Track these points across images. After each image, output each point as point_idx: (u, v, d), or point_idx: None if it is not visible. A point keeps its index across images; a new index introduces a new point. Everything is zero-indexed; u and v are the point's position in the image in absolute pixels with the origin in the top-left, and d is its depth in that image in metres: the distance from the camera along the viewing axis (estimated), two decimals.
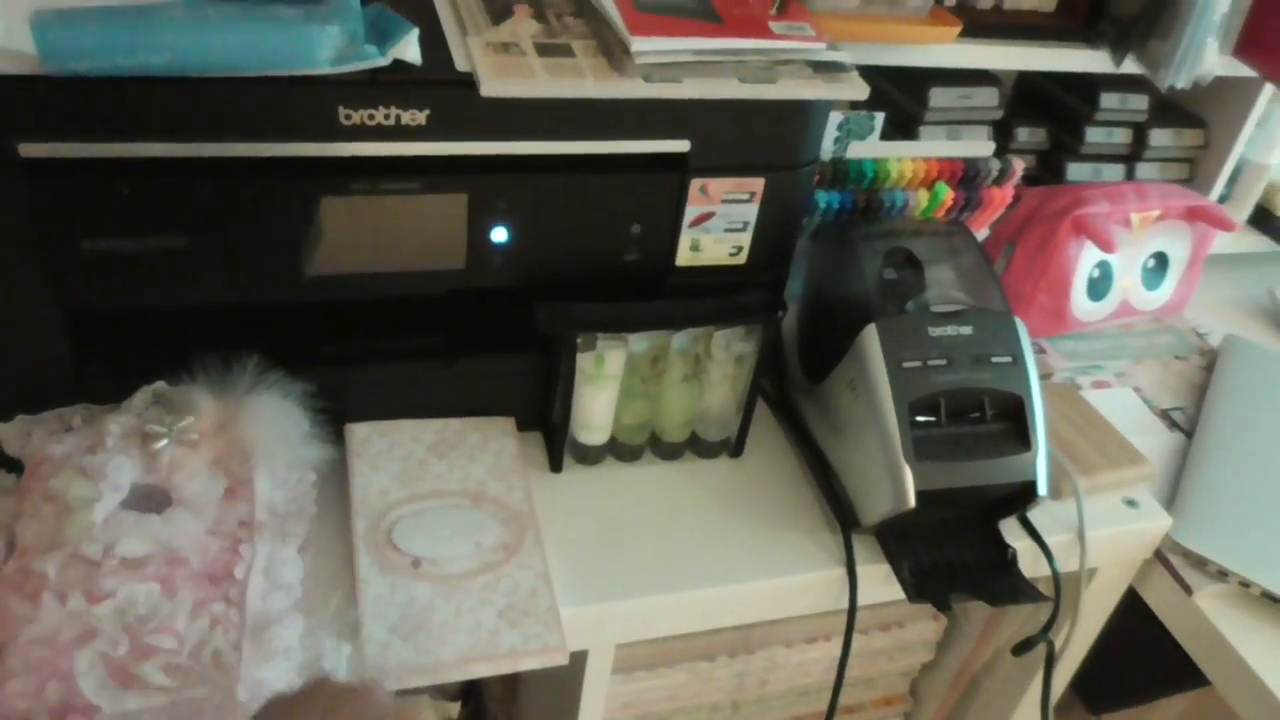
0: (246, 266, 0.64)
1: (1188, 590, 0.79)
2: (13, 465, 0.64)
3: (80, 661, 0.54)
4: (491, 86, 0.59)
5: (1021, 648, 0.76)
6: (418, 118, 0.61)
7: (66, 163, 0.57)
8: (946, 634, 1.00)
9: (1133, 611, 0.87)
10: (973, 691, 1.01)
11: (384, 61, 0.58)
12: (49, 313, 0.62)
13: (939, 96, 0.96)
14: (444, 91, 0.60)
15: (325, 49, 0.57)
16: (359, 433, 0.73)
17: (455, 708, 0.95)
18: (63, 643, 0.54)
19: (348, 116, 0.59)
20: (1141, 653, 0.99)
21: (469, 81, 0.60)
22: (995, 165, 0.82)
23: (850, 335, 0.72)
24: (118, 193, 0.59)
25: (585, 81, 0.61)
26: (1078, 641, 0.84)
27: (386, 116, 0.60)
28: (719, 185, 0.70)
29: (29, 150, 0.56)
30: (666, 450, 0.78)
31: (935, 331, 0.71)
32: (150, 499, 0.62)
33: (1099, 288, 1.01)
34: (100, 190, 0.58)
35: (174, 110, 0.57)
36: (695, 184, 0.69)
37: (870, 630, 0.96)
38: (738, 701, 0.97)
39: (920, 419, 0.70)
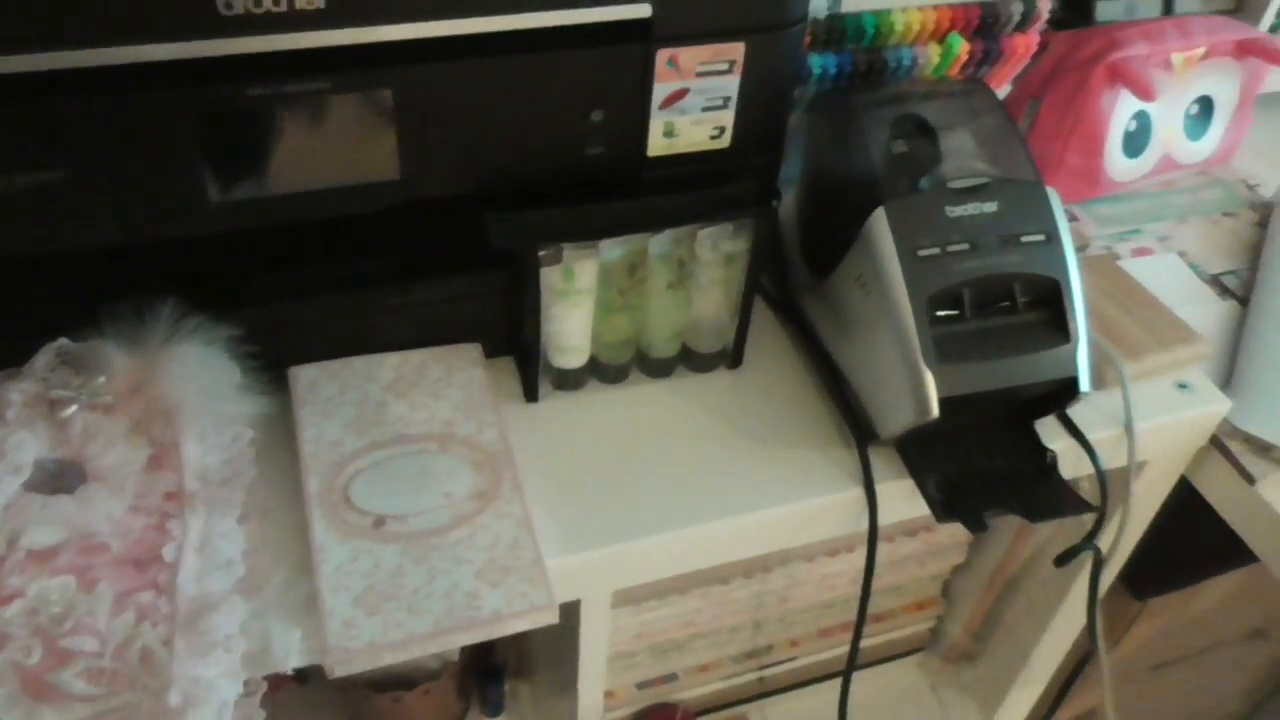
0: (138, 197, 0.55)
1: (1250, 479, 0.71)
2: None
3: None
4: None
5: (1064, 558, 0.68)
6: (314, 0, 0.50)
7: None
8: (979, 535, 0.93)
9: (1179, 492, 0.79)
10: (1010, 594, 0.94)
11: None
12: None
13: None
14: None
15: None
16: (305, 377, 0.64)
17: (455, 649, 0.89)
18: None
19: (228, 5, 0.49)
20: (1188, 535, 0.92)
21: None
22: (1017, 8, 0.70)
23: (857, 222, 0.62)
24: None
25: None
26: (1126, 541, 0.76)
27: (276, 2, 0.49)
28: (691, 55, 0.59)
29: None
30: (655, 367, 0.69)
31: (955, 211, 0.61)
32: (60, 477, 0.54)
33: (1136, 142, 0.90)
34: None
35: (14, 15, 0.47)
36: (662, 56, 0.58)
37: (897, 537, 0.89)
38: (759, 621, 0.91)
39: (941, 314, 0.61)
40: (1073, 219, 0.90)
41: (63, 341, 0.57)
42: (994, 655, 0.99)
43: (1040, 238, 0.62)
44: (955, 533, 0.90)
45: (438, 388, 0.65)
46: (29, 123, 0.50)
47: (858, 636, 0.68)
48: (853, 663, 0.70)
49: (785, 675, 0.99)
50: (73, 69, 0.49)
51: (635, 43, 0.57)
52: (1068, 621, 0.89)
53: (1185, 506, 0.79)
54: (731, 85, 0.61)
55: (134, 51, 0.49)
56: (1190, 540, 0.98)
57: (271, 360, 0.60)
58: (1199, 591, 1.10)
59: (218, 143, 0.54)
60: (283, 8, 0.50)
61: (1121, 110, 0.86)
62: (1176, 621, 1.13)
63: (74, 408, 0.55)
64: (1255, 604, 1.17)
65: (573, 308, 0.64)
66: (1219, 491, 0.74)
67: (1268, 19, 0.98)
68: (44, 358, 0.57)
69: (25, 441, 0.53)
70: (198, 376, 0.57)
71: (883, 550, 0.89)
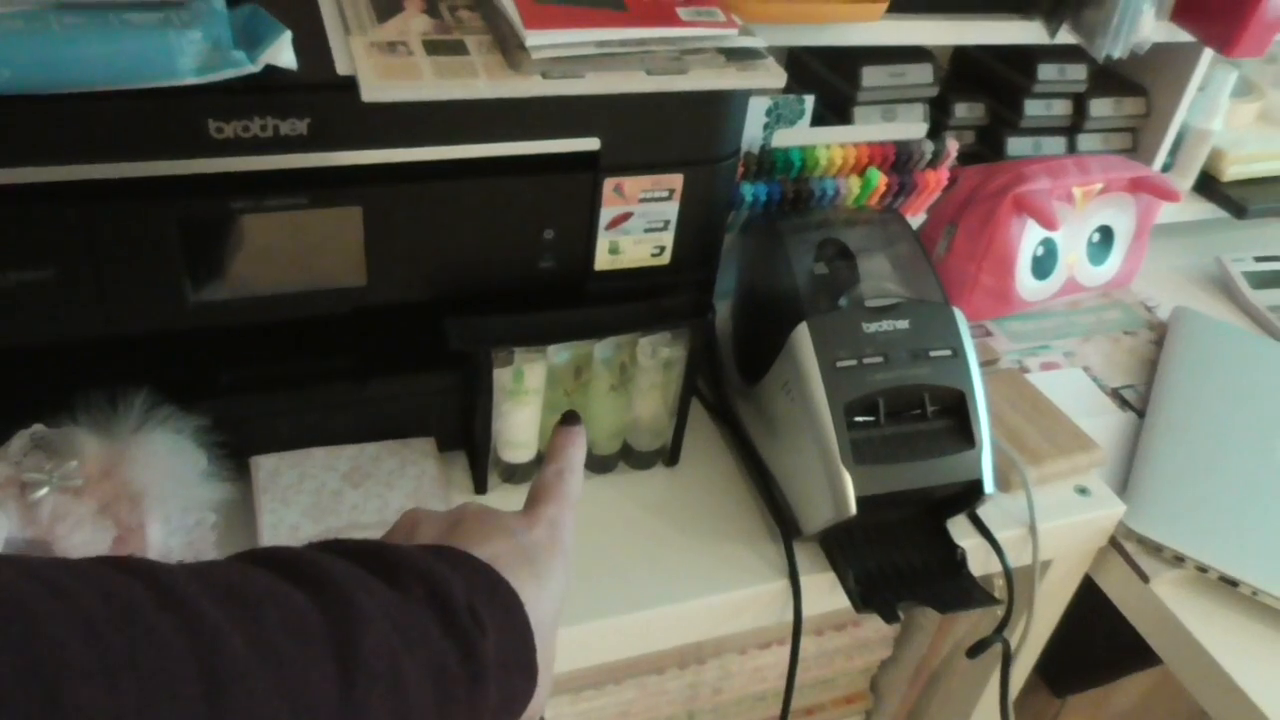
0: (123, 296, 0.59)
1: (1144, 578, 0.77)
2: None
3: None
4: (373, 91, 0.54)
5: (976, 649, 0.73)
6: (298, 127, 0.56)
7: None
8: (904, 629, 0.97)
9: (1094, 592, 0.85)
10: (934, 686, 0.98)
11: (254, 69, 0.53)
12: None
13: (871, 76, 0.93)
14: (324, 98, 0.56)
15: (187, 57, 0.52)
16: (266, 465, 0.68)
17: None
18: None
19: (219, 129, 0.55)
20: (1104, 633, 0.97)
21: (351, 86, 0.55)
22: (929, 147, 0.78)
23: (782, 335, 0.68)
24: None
25: (478, 81, 0.56)
26: (1035, 636, 0.82)
27: (263, 128, 0.55)
28: (635, 184, 0.66)
29: None
30: (597, 463, 0.74)
31: (870, 327, 0.68)
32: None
33: (1044, 265, 0.98)
34: None
35: (22, 132, 0.52)
36: (609, 184, 0.65)
37: (825, 630, 0.93)
38: (693, 712, 0.94)
39: (858, 420, 0.67)
40: (986, 334, 0.98)
41: (37, 427, 0.60)
42: None
43: (947, 353, 0.68)
44: (881, 627, 0.95)
45: (391, 478, 0.69)
46: (27, 227, 0.55)
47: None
48: None
49: None
50: (75, 181, 0.54)
51: (585, 171, 0.64)
52: (986, 716, 0.93)
53: (1100, 605, 0.85)
54: (671, 210, 0.68)
55: (131, 167, 0.54)
56: (1107, 638, 1.03)
57: (237, 449, 0.64)
58: (1117, 689, 1.15)
59: (199, 249, 0.59)
60: (269, 133, 0.55)
61: (1029, 237, 0.95)
62: (1097, 719, 1.17)
63: (45, 490, 0.58)
64: (1173, 701, 1.22)
65: (522, 406, 0.69)
66: (1118, 589, 0.80)
67: (1160, 159, 1.09)
68: (19, 442, 0.60)
69: None
70: (165, 463, 0.60)
71: (812, 644, 0.93)
